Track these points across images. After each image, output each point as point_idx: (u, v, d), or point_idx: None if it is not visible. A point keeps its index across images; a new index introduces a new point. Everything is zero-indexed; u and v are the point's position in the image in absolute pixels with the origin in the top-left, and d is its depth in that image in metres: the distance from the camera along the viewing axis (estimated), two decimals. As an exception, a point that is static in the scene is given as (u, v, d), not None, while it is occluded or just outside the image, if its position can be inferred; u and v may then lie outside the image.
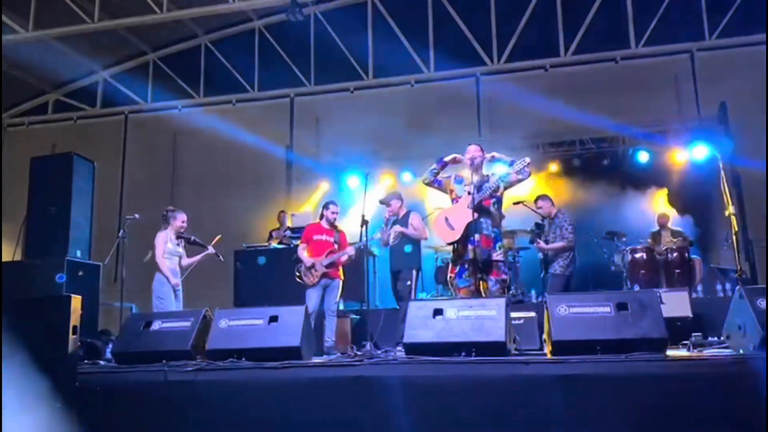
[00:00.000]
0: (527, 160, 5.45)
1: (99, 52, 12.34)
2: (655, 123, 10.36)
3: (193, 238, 7.04)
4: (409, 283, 6.61)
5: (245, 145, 11.32)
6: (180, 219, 6.94)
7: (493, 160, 5.63)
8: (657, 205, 9.40)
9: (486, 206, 5.54)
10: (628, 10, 11.12)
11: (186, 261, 6.99)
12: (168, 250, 6.80)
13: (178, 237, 6.93)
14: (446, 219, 5.66)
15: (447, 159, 5.74)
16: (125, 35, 11.86)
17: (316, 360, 4.74)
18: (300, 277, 6.90)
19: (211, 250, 6.99)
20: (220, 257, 7.19)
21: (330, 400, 3.83)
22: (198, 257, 7.04)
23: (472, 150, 5.68)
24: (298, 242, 7.41)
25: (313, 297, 6.73)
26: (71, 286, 6.82)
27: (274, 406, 3.87)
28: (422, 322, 4.24)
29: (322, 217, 7.08)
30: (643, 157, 10.22)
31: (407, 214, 7.11)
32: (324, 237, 6.91)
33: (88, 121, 13.18)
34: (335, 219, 7.02)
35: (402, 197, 7.37)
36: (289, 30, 11.77)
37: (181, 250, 6.96)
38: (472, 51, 11.62)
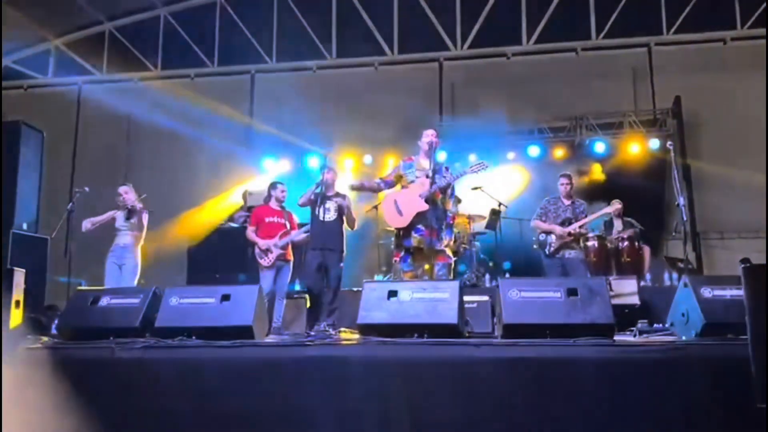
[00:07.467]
0: (486, 164, 5.58)
1: (52, 19, 11.90)
2: (611, 114, 10.57)
3: (127, 205, 6.78)
4: None
5: (203, 121, 11.11)
6: (117, 195, 6.79)
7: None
8: (610, 194, 9.55)
9: (435, 198, 5.53)
10: (590, 1, 11.27)
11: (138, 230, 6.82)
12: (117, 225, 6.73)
13: (126, 211, 6.78)
14: (395, 202, 5.62)
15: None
16: (80, 3, 11.44)
17: (268, 340, 4.70)
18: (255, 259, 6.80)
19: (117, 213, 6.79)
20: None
21: (281, 380, 3.80)
22: (106, 215, 6.82)
23: (430, 134, 5.68)
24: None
25: (267, 279, 6.64)
26: (16, 260, 6.61)
27: (224, 385, 3.82)
28: (377, 304, 4.22)
29: (269, 198, 6.89)
30: (599, 147, 10.39)
31: None
32: (276, 219, 6.71)
33: (40, 90, 12.73)
34: (284, 198, 6.88)
35: None
36: (252, 4, 11.55)
37: (125, 223, 6.76)
38: (436, 36, 11.61)
